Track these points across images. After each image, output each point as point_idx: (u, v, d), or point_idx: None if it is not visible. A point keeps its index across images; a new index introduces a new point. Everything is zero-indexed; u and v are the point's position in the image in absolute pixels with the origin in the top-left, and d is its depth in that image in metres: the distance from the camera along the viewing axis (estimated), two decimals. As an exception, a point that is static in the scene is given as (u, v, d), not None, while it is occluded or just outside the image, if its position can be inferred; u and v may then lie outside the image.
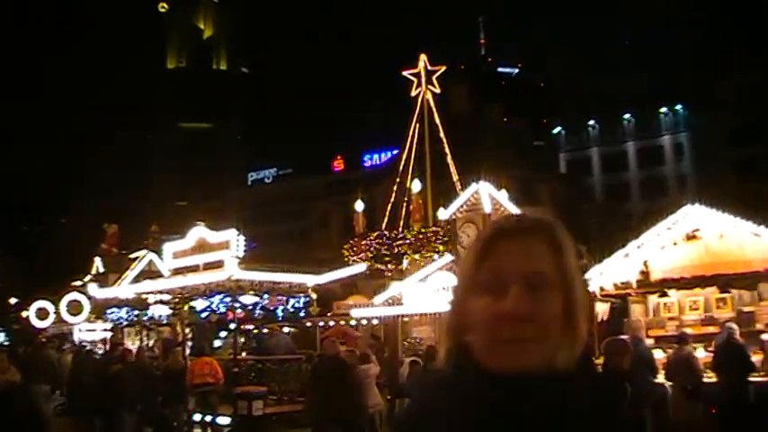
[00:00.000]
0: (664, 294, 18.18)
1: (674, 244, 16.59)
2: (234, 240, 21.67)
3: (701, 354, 15.40)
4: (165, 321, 27.91)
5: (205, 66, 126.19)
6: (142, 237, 37.69)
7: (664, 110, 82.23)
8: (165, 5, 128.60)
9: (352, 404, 13.84)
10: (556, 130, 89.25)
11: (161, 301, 25.64)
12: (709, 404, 14.28)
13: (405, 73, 27.26)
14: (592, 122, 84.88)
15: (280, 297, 23.67)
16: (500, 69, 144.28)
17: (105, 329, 31.99)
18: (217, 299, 22.92)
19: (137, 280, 29.85)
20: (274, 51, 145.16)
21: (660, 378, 15.16)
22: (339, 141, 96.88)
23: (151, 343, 28.58)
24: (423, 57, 27.12)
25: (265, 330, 24.40)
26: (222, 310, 23.28)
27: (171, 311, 25.87)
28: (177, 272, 23.16)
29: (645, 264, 16.83)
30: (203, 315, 23.80)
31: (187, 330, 24.96)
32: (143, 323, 28.74)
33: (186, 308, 24.15)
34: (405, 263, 23.53)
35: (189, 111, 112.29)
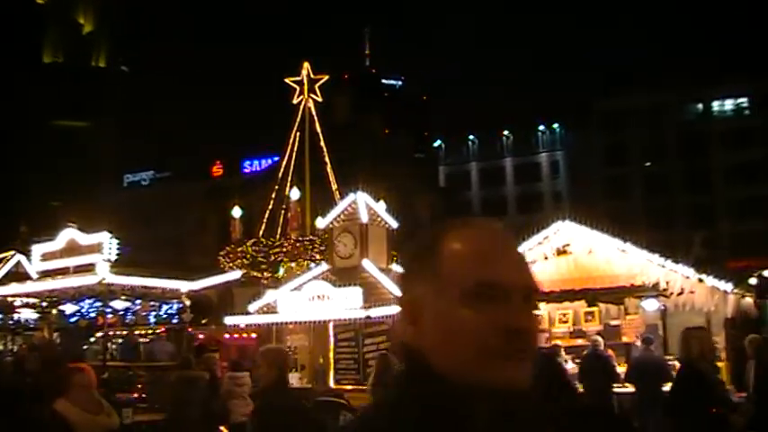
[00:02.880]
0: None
1: (545, 258, 17.03)
2: (106, 243, 21.20)
3: (570, 365, 15.86)
4: (32, 325, 26.98)
5: (83, 62, 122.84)
6: (10, 237, 36.33)
7: (541, 128, 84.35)
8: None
9: None
10: (436, 144, 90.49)
11: (28, 305, 24.81)
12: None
13: (287, 80, 27.17)
14: (472, 138, 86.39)
15: (153, 303, 23.27)
16: (384, 81, 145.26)
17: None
18: (87, 303, 22.38)
19: (3, 282, 28.75)
20: (156, 51, 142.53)
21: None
22: (219, 146, 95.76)
23: (15, 348, 27.58)
24: (306, 65, 27.09)
25: (141, 338, 23.89)
26: (92, 314, 22.73)
27: (38, 315, 25.06)
28: (46, 274, 22.50)
29: (517, 277, 17.18)
30: (72, 320, 23.17)
31: (55, 335, 24.24)
32: (9, 327, 27.70)
33: (55, 312, 23.48)
34: (281, 271, 23.43)
35: (64, 108, 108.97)
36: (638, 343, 17.02)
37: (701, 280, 15.27)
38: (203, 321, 25.21)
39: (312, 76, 27.05)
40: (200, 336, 24.15)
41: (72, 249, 21.95)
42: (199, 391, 13.28)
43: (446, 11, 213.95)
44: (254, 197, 31.99)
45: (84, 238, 21.82)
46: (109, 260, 21.08)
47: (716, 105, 77.16)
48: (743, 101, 76.21)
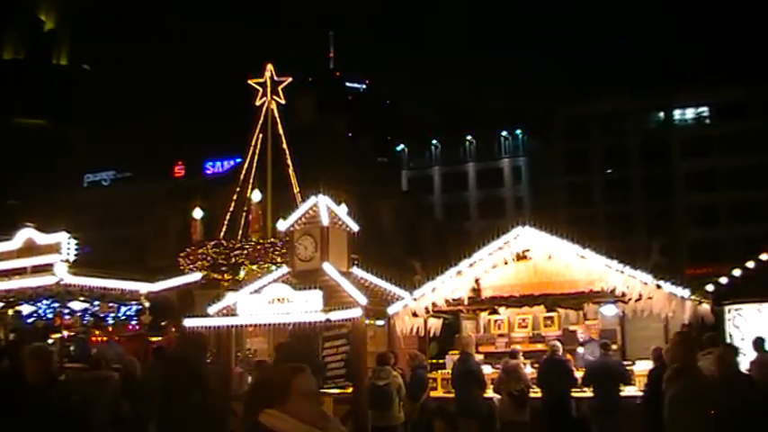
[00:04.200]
0: (494, 312, 18.73)
1: (505, 263, 17.10)
2: (65, 243, 20.97)
3: (529, 369, 15.96)
4: (-13, 326, 26.63)
5: (44, 60, 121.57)
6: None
7: (504, 134, 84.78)
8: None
9: None
10: (399, 148, 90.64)
11: (-18, 306, 24.47)
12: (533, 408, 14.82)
13: (250, 82, 27.06)
14: (435, 142, 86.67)
15: (111, 304, 23.05)
16: (348, 84, 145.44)
17: None
18: (44, 304, 22.13)
19: (-43, 282, 28.37)
20: (119, 50, 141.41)
21: (489, 393, 15.66)
22: (181, 147, 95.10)
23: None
24: (269, 66, 26.98)
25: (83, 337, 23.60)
26: (50, 315, 22.49)
27: (-6, 316, 24.73)
28: (2, 274, 22.20)
29: (476, 281, 17.29)
30: (29, 320, 22.90)
31: (11, 336, 23.91)
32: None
33: (11, 312, 23.18)
34: (242, 273, 23.33)
35: (24, 106, 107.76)
36: (581, 349, 17.21)
37: (659, 286, 15.42)
38: (162, 324, 25.02)
39: (275, 77, 26.96)
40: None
41: (29, 249, 21.70)
42: (107, 392, 12.77)
43: (411, 15, 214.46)
44: (215, 198, 31.80)
45: (42, 238, 21.58)
46: (67, 260, 20.87)
47: (677, 113, 78.04)
48: (703, 109, 77.18)
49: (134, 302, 22.97)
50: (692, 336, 9.03)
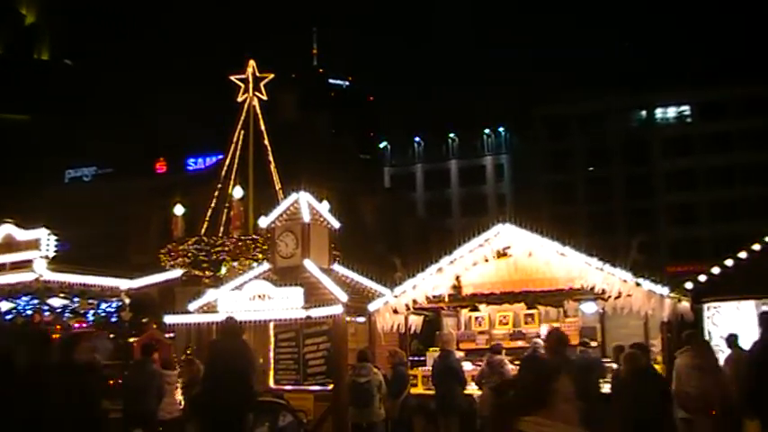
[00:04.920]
0: (475, 309, 18.76)
1: (486, 260, 17.10)
2: (44, 239, 20.86)
3: (510, 366, 16.01)
4: (-37, 323, 26.40)
5: (25, 54, 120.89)
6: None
7: (487, 132, 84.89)
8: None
9: None
10: (382, 145, 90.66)
11: (-41, 302, 24.29)
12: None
13: (232, 77, 26.99)
14: (417, 139, 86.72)
15: (91, 300, 22.93)
16: (331, 81, 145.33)
17: None
18: (23, 300, 22.00)
19: (-66, 278, 28.12)
20: (101, 45, 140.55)
21: (470, 389, 15.72)
22: (163, 143, 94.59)
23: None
24: (251, 62, 26.94)
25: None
26: (29, 312, 22.35)
27: (-29, 313, 24.55)
28: (-20, 271, 22.06)
29: (457, 278, 17.29)
30: (8, 317, 22.76)
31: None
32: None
33: (-11, 309, 23.05)
34: (223, 270, 23.29)
35: (4, 101, 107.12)
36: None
37: (638, 284, 15.47)
38: (144, 320, 24.92)
39: (257, 73, 26.90)
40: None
41: (8, 245, 21.56)
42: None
43: (400, 12, 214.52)
44: (197, 195, 31.69)
45: (22, 234, 21.45)
46: (46, 257, 20.76)
47: (659, 112, 78.37)
48: (685, 109, 77.53)
49: (114, 299, 22.85)
50: (563, 338, 9.57)
